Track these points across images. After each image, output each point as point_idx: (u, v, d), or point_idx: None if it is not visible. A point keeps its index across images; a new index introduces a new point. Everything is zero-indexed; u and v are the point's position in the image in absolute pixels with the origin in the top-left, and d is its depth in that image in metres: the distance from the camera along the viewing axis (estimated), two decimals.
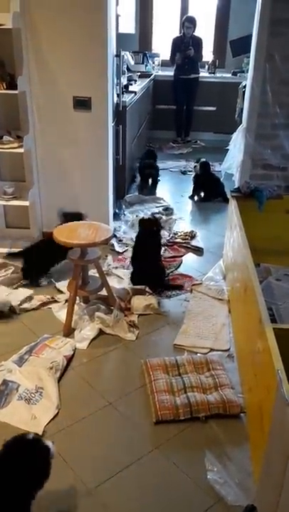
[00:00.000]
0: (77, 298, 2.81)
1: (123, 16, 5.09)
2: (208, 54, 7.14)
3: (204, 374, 2.36)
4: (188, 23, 6.54)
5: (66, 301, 2.84)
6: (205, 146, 7.05)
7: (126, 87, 4.61)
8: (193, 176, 5.03)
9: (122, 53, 3.82)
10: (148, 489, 1.82)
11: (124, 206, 4.44)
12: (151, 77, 6.61)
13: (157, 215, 4.04)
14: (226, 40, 7.08)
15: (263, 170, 3.61)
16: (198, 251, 3.76)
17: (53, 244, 2.66)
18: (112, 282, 3.07)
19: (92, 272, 2.92)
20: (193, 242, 3.86)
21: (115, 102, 3.82)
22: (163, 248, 3.52)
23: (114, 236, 3.73)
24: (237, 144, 3.87)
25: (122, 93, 4.04)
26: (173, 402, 2.15)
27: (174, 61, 6.72)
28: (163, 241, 3.52)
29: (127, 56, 5.86)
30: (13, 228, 3.77)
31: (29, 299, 2.96)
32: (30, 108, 3.39)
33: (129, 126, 4.41)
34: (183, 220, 4.36)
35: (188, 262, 3.59)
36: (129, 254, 3.51)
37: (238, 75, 6.85)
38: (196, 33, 6.66)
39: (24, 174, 3.54)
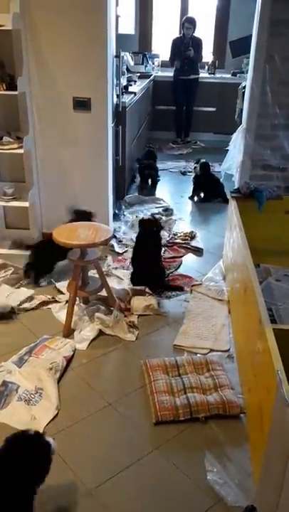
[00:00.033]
0: (77, 298, 2.81)
1: (123, 16, 5.09)
2: (207, 55, 7.14)
3: (204, 374, 2.36)
4: (188, 23, 6.55)
5: (66, 301, 2.84)
6: (205, 146, 7.05)
7: (126, 87, 4.61)
8: (193, 176, 5.03)
9: (122, 54, 3.82)
10: (148, 490, 1.82)
11: (123, 207, 4.45)
12: (151, 77, 6.61)
13: (157, 216, 4.04)
14: (226, 40, 7.09)
15: (262, 170, 3.61)
16: (198, 251, 3.76)
17: (54, 244, 2.66)
18: (112, 283, 3.07)
19: (92, 273, 2.92)
20: (193, 243, 3.86)
21: (115, 102, 3.82)
22: (163, 249, 3.52)
23: (114, 237, 3.73)
24: (237, 144, 3.87)
25: (122, 94, 4.04)
26: (173, 402, 2.15)
27: (174, 64, 6.74)
28: (163, 242, 3.52)
29: (127, 57, 5.87)
30: (13, 229, 3.77)
31: (30, 299, 2.96)
32: (30, 109, 3.39)
33: (129, 127, 4.42)
34: (183, 221, 4.36)
35: (188, 263, 3.59)
36: (129, 254, 3.51)
37: (238, 75, 6.86)
38: (196, 34, 6.67)
39: (24, 175, 3.54)
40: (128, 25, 6.75)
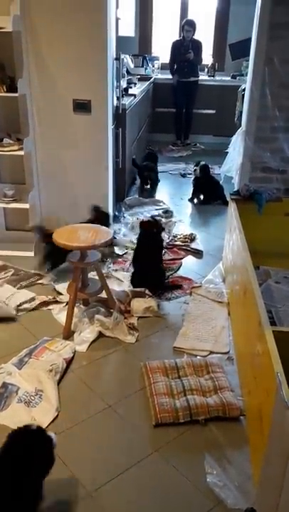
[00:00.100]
0: (77, 300, 2.81)
1: (123, 19, 5.10)
2: (207, 57, 7.16)
3: (204, 377, 2.36)
4: (188, 26, 6.57)
5: (67, 303, 2.84)
6: (204, 148, 7.06)
7: (126, 90, 4.63)
8: (192, 178, 5.03)
9: (122, 56, 3.84)
10: (147, 492, 1.82)
11: (123, 209, 4.45)
12: (151, 80, 6.64)
13: (157, 218, 4.04)
14: (226, 43, 7.11)
15: (262, 173, 3.61)
16: (197, 254, 3.76)
17: None
18: (112, 285, 3.07)
19: (92, 275, 2.92)
20: (193, 245, 3.87)
21: (115, 104, 3.83)
22: (163, 251, 3.53)
23: (114, 238, 3.72)
24: (236, 146, 3.88)
25: (122, 96, 4.05)
26: (172, 404, 2.15)
27: (173, 69, 6.77)
28: (163, 243, 3.52)
29: (127, 59, 5.88)
30: (13, 231, 3.77)
31: (30, 300, 2.96)
32: (30, 111, 3.40)
33: (129, 129, 4.43)
34: (182, 223, 4.36)
35: (188, 265, 3.59)
36: (129, 256, 3.51)
37: (238, 78, 6.88)
38: (196, 37, 6.69)
39: (24, 177, 3.55)
40: (128, 28, 6.77)
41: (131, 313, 2.90)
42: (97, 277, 2.82)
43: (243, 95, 4.36)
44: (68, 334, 2.68)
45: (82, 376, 2.40)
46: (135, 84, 5.52)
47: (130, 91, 4.86)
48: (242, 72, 6.78)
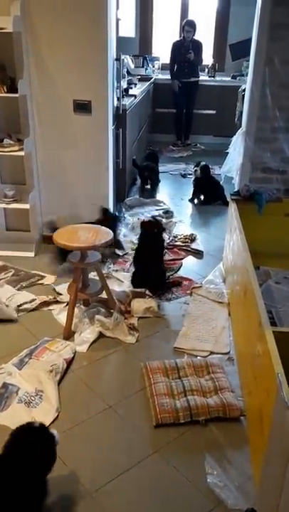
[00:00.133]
0: (78, 301, 2.81)
1: (123, 19, 5.10)
2: (207, 58, 7.16)
3: (204, 377, 2.36)
4: (188, 26, 6.57)
5: (67, 303, 2.84)
6: (205, 149, 7.06)
7: (126, 90, 4.62)
8: (193, 179, 5.03)
9: (122, 57, 3.84)
10: (148, 492, 1.82)
11: (124, 209, 4.45)
12: (151, 80, 6.64)
13: (158, 218, 4.04)
14: (226, 43, 7.12)
15: (262, 173, 3.61)
16: (198, 254, 3.76)
17: None
18: (112, 285, 3.07)
19: (93, 275, 2.92)
20: (193, 245, 3.87)
21: (115, 105, 3.83)
22: (164, 251, 3.52)
23: (118, 241, 3.72)
24: (237, 147, 3.88)
25: (122, 96, 4.05)
26: (173, 405, 2.15)
27: (173, 71, 6.77)
28: (164, 243, 3.51)
29: (127, 60, 5.87)
30: (13, 231, 3.77)
31: (31, 301, 2.96)
32: (30, 111, 3.40)
33: (129, 130, 4.43)
34: (183, 223, 4.36)
35: (188, 265, 3.59)
36: (129, 257, 3.51)
37: (238, 78, 6.88)
38: (196, 37, 6.69)
39: (24, 177, 3.55)
40: (128, 28, 6.77)
41: (131, 313, 2.90)
42: (97, 278, 2.82)
43: (244, 96, 4.36)
44: (69, 334, 2.68)
45: (83, 376, 2.40)
46: (135, 84, 5.52)
47: (130, 91, 4.86)
48: (242, 72, 6.78)
